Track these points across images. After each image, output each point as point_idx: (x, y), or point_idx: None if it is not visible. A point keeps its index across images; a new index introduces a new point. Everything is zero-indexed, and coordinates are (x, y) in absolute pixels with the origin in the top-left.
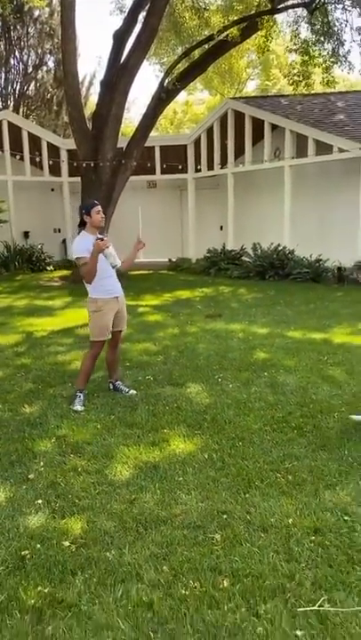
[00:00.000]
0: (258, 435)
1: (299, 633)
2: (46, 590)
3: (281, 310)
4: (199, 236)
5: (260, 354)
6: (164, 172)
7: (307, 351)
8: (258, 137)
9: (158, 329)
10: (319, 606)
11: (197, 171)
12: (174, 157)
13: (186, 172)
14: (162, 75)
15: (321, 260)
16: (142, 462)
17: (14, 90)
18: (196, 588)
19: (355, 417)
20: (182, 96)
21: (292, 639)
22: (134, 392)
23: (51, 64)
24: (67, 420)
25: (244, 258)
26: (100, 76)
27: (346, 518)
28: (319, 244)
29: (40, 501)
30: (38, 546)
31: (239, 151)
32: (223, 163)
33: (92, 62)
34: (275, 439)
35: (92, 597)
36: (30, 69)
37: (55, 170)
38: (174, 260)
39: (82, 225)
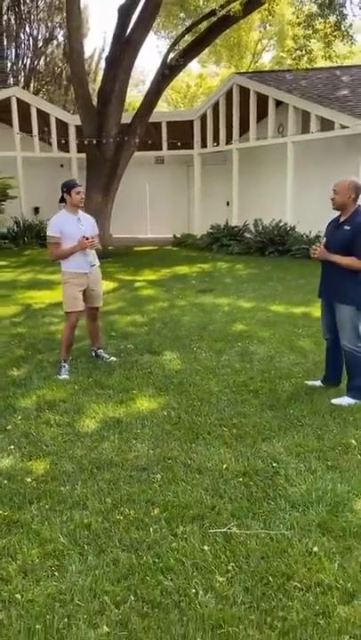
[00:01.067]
0: (216, 396)
1: (205, 547)
2: (5, 514)
3: (272, 286)
4: (206, 212)
5: (239, 326)
6: (170, 147)
7: (284, 324)
8: (263, 113)
9: (149, 302)
10: (228, 529)
11: (203, 146)
12: (181, 133)
13: (192, 148)
14: (165, 51)
15: (320, 236)
16: (108, 417)
17: (24, 65)
18: (130, 514)
19: (309, 382)
20: (196, 69)
21: (199, 551)
22: (114, 359)
23: (60, 38)
24: (48, 382)
25: (246, 234)
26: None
27: (274, 465)
28: (320, 221)
29: (12, 447)
30: (5, 481)
31: (245, 127)
32: (229, 138)
33: (101, 35)
34: (230, 400)
35: (42, 520)
36: (40, 44)
37: (64, 145)
38: (179, 236)
39: (62, 201)
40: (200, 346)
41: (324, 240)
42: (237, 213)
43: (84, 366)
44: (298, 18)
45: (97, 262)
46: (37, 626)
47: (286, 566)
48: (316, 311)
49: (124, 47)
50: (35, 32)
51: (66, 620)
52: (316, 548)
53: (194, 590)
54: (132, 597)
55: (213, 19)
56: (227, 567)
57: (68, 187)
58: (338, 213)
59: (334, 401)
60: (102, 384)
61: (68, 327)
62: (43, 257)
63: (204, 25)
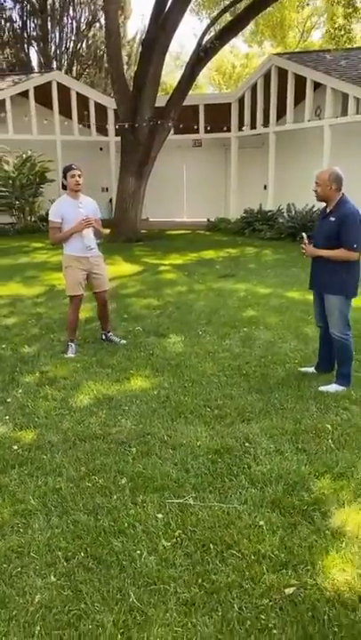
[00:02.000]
0: (208, 378)
1: (160, 515)
2: None
3: (295, 272)
4: (242, 196)
5: (250, 312)
6: (208, 130)
7: (295, 310)
8: (301, 95)
9: (169, 286)
10: (185, 500)
11: (241, 129)
12: (219, 116)
13: (230, 131)
14: (200, 33)
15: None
16: (101, 394)
17: (67, 48)
18: (98, 482)
19: (302, 369)
20: (243, 48)
21: (152, 518)
22: (124, 342)
23: (103, 21)
24: (54, 359)
25: (279, 219)
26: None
27: (246, 444)
28: (358, 206)
29: (7, 417)
30: None
31: (282, 109)
32: (266, 121)
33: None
34: (221, 382)
35: (19, 483)
36: (83, 27)
37: (103, 129)
38: (213, 219)
39: (64, 187)
40: (206, 330)
41: (305, 236)
42: (273, 197)
43: (91, 346)
44: None
45: (94, 245)
46: None
47: (230, 537)
48: None
49: (159, 31)
50: (78, 15)
51: (19, 569)
52: (262, 522)
53: (138, 552)
54: (82, 554)
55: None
56: (174, 534)
57: (64, 171)
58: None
59: (322, 388)
60: (103, 363)
61: (71, 310)
62: None
63: (243, 4)
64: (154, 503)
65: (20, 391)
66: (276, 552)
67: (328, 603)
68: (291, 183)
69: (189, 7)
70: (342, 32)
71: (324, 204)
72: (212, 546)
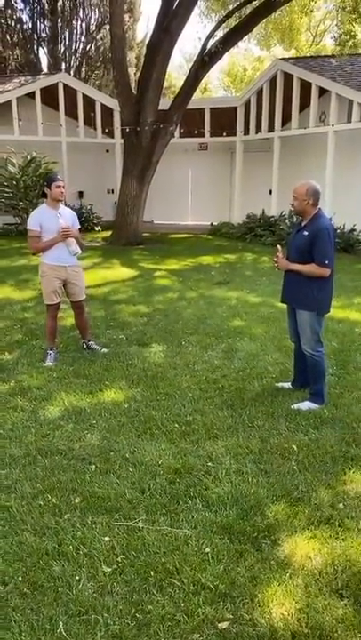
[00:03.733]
0: (182, 392)
1: (106, 538)
2: None
3: None
4: (247, 200)
5: (237, 322)
6: (213, 134)
7: (282, 321)
8: (306, 100)
9: (160, 293)
10: (134, 522)
11: (246, 134)
12: (224, 119)
13: (235, 135)
14: (204, 38)
15: (355, 229)
16: (72, 407)
17: (76, 50)
18: (51, 501)
19: (278, 384)
20: (255, 51)
21: (98, 541)
22: (106, 350)
23: None
24: (31, 368)
25: (280, 225)
26: None
27: (208, 464)
28: (358, 214)
29: None
30: None
31: (287, 114)
32: (271, 126)
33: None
34: (194, 396)
35: None
36: (93, 28)
37: (109, 131)
38: (215, 224)
39: (44, 196)
40: (190, 340)
41: (279, 248)
42: (277, 203)
43: (71, 355)
44: (343, 2)
45: (79, 251)
46: None
47: (173, 564)
48: None
49: (163, 35)
50: (88, 17)
51: None
52: (208, 549)
53: (77, 578)
54: (20, 578)
55: (256, 3)
56: (117, 559)
57: (48, 181)
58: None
59: (294, 406)
60: (80, 373)
61: (49, 318)
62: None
63: (249, 8)
64: (102, 525)
65: None
66: (217, 582)
67: None
68: None
69: (196, 12)
70: (348, 37)
71: (298, 216)
72: (152, 573)
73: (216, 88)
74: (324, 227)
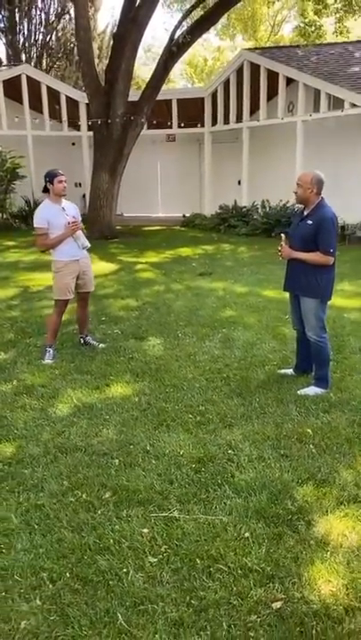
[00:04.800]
0: (189, 383)
1: (145, 530)
2: None
3: (271, 269)
4: (217, 191)
5: (228, 312)
6: (181, 125)
7: (272, 309)
8: (274, 90)
9: (146, 286)
10: (170, 513)
11: (214, 124)
12: (192, 110)
13: (203, 126)
14: (172, 28)
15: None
16: (81, 403)
17: (36, 41)
18: (82, 497)
19: (281, 370)
20: (215, 41)
21: (137, 534)
22: (103, 345)
23: (73, 13)
24: (30, 366)
25: (253, 215)
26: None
27: (229, 452)
28: (329, 202)
29: None
30: None
31: (255, 105)
32: (239, 116)
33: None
34: (202, 387)
35: (0, 500)
36: (52, 19)
37: (75, 124)
38: (188, 215)
39: (46, 191)
40: (186, 332)
41: (283, 237)
42: (247, 193)
43: (69, 351)
44: None
45: (88, 244)
46: None
47: (216, 550)
48: None
49: (130, 25)
50: (47, 7)
51: (3, 593)
52: (247, 534)
53: (125, 570)
54: (68, 575)
55: None
56: (160, 549)
57: (50, 176)
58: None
59: (301, 391)
60: (82, 370)
61: (56, 314)
62: None
63: (211, 1)
64: (139, 517)
65: None
66: (263, 565)
67: (315, 616)
68: (265, 179)
69: (161, 2)
70: (313, 28)
71: (300, 204)
72: (198, 561)
73: (178, 79)
74: (329, 216)
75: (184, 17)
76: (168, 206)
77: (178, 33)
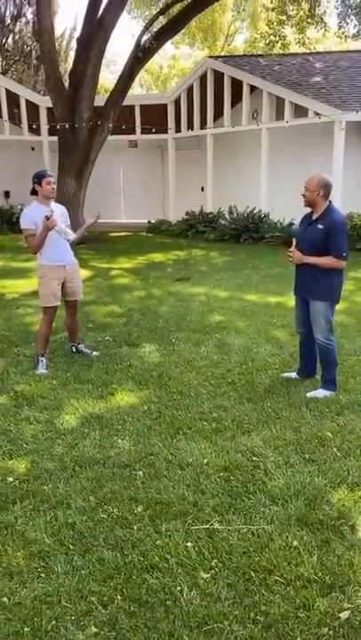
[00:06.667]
0: (196, 389)
1: (189, 544)
2: None
3: (247, 274)
4: (180, 197)
5: (216, 316)
6: (144, 131)
7: (259, 314)
8: (237, 98)
9: (126, 292)
10: (210, 525)
11: (178, 131)
12: (155, 116)
13: (166, 132)
14: (137, 33)
15: (293, 223)
16: (88, 413)
17: None
18: (113, 513)
19: (284, 374)
20: (170, 50)
21: (182, 549)
22: (96, 353)
23: (30, 15)
24: (25, 377)
25: (221, 221)
26: (79, 31)
27: (254, 459)
28: (294, 208)
29: None
30: None
31: (219, 112)
32: (203, 123)
33: (73, 15)
34: (210, 393)
35: (26, 520)
36: (8, 21)
37: (35, 128)
38: (153, 221)
39: (34, 193)
40: (178, 337)
41: (294, 242)
42: (212, 199)
43: (62, 360)
44: (272, 3)
45: (73, 235)
46: (26, 629)
47: (267, 561)
48: (290, 301)
49: (97, 28)
50: (2, 9)
51: (54, 622)
52: (295, 542)
53: (179, 588)
54: (119, 597)
55: (187, 1)
56: (210, 564)
57: (38, 177)
58: (310, 210)
59: (309, 394)
60: (81, 378)
61: (45, 322)
62: (14, 243)
63: (178, 7)
64: (179, 531)
65: None
66: (320, 574)
67: None
68: (229, 185)
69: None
70: (277, 38)
71: (308, 207)
72: (252, 573)
73: (136, 84)
74: (340, 220)
75: (150, 23)
76: (131, 213)
77: (144, 38)
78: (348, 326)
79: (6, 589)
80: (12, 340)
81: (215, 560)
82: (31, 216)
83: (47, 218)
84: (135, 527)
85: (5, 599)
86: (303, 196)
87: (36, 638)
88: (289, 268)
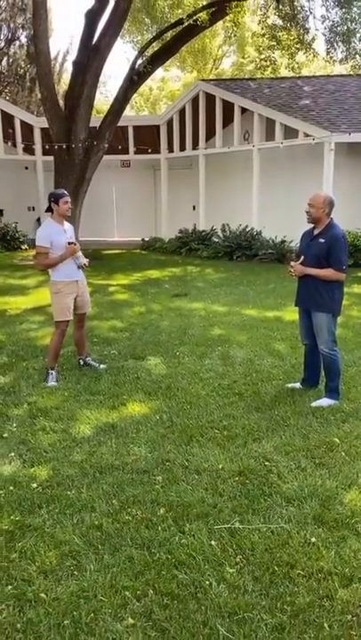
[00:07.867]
0: (204, 399)
1: (213, 543)
2: (17, 518)
3: (243, 290)
4: (172, 216)
5: (217, 330)
6: (137, 151)
7: (259, 328)
8: (229, 119)
9: (126, 307)
10: (232, 524)
11: (170, 151)
12: (148, 137)
13: (159, 153)
14: (133, 57)
15: (285, 241)
16: (102, 423)
17: None
18: (137, 515)
19: (289, 385)
20: (159, 72)
21: (207, 546)
22: (104, 366)
23: (23, 39)
24: (37, 389)
25: (213, 238)
26: (74, 54)
27: (266, 463)
28: (285, 226)
29: (13, 454)
30: (11, 487)
31: (211, 133)
32: (195, 144)
33: (66, 38)
34: (218, 403)
35: (54, 523)
36: (2, 44)
37: (29, 148)
38: (147, 239)
39: (49, 210)
40: (182, 350)
41: (301, 258)
42: (204, 218)
43: (70, 373)
44: (262, 29)
45: (85, 260)
46: (66, 621)
47: (289, 556)
48: (288, 315)
49: (93, 53)
50: None
51: (92, 614)
52: (313, 539)
53: (207, 582)
54: (152, 591)
55: (179, 28)
56: (235, 559)
57: (55, 197)
58: (310, 226)
59: (314, 403)
60: (92, 390)
61: (58, 335)
62: (10, 260)
63: (170, 33)
64: (202, 531)
65: (15, 425)
66: (339, 567)
67: None
68: (221, 204)
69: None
70: (268, 63)
71: (312, 224)
72: (276, 568)
73: (128, 106)
74: (341, 235)
75: (144, 48)
76: (124, 231)
77: (138, 63)
78: (346, 339)
79: (42, 586)
80: (20, 355)
81: (239, 556)
82: (48, 234)
83: (70, 244)
84: (160, 528)
85: (43, 595)
86: (307, 212)
87: (76, 629)
88: (284, 284)
